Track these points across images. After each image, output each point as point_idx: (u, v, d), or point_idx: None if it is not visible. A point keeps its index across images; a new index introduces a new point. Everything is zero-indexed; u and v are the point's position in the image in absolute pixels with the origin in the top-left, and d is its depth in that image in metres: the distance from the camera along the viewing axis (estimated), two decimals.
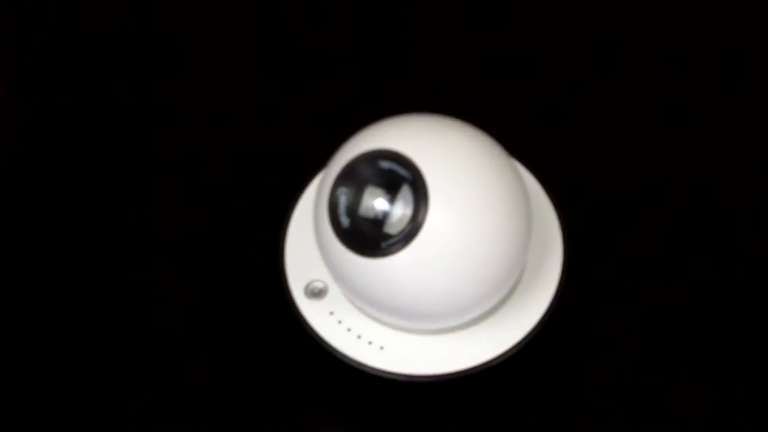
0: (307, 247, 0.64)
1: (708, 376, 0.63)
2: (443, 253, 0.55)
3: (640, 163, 0.70)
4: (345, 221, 0.56)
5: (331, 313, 0.62)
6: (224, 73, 0.75)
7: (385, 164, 0.55)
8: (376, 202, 0.56)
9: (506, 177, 0.57)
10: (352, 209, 0.56)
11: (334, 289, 0.63)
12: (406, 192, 0.55)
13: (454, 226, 0.55)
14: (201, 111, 0.73)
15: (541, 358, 0.62)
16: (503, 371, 0.61)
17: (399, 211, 0.55)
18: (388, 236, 0.55)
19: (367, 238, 0.56)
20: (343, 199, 0.56)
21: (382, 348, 0.61)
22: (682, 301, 0.65)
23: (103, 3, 0.78)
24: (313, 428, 0.62)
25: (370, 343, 0.61)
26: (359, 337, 0.62)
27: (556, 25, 0.77)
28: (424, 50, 0.75)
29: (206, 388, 0.63)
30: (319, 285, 0.63)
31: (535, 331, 0.62)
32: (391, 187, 0.55)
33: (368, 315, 0.61)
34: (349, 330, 0.62)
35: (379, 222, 0.56)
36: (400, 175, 0.55)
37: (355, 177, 0.56)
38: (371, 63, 0.75)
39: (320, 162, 0.66)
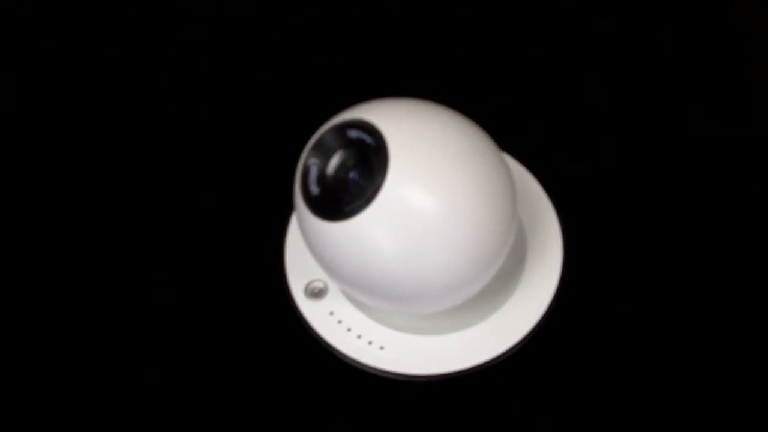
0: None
1: (708, 376, 0.63)
2: (403, 216, 0.55)
3: (640, 163, 0.70)
4: (314, 190, 0.57)
5: (331, 313, 0.62)
6: (224, 72, 0.75)
7: (353, 133, 0.56)
8: (341, 169, 0.57)
9: (484, 159, 0.57)
10: (321, 177, 0.57)
11: (334, 289, 0.63)
12: (370, 158, 0.56)
13: (414, 190, 0.55)
14: (201, 110, 0.73)
15: (541, 358, 0.62)
16: (503, 371, 0.61)
17: (362, 176, 0.56)
18: (351, 200, 0.56)
19: (333, 202, 0.56)
20: (313, 170, 0.57)
21: (382, 348, 0.61)
22: (682, 301, 0.65)
23: (102, 3, 0.78)
24: (313, 428, 0.62)
25: (370, 343, 0.61)
26: (359, 337, 0.62)
27: (556, 25, 0.77)
28: (423, 51, 0.75)
29: (206, 388, 0.63)
30: (319, 285, 0.63)
31: (535, 331, 0.62)
32: (357, 154, 0.56)
33: (348, 297, 0.62)
34: (349, 330, 0.62)
35: (344, 187, 0.57)
36: (365, 143, 0.56)
37: (325, 147, 0.57)
38: (370, 63, 0.75)
39: None
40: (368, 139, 0.56)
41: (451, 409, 0.62)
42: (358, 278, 0.57)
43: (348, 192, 0.57)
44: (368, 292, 0.58)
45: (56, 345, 0.64)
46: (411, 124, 0.57)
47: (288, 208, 0.66)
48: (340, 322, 0.62)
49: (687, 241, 0.67)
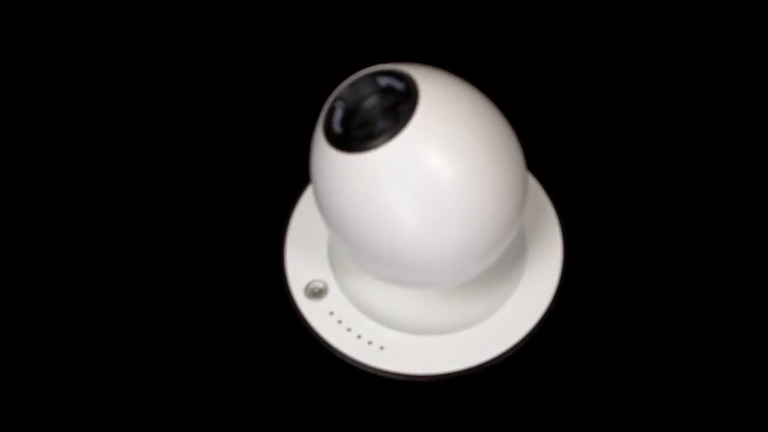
0: (307, 247, 0.64)
1: (708, 376, 0.63)
2: (422, 157, 0.54)
3: (640, 162, 0.70)
4: (338, 128, 0.56)
5: (331, 313, 0.62)
6: (224, 72, 0.75)
7: (384, 80, 0.56)
8: (368, 112, 0.56)
9: (503, 129, 0.57)
10: (346, 118, 0.56)
11: (334, 289, 0.63)
12: (399, 102, 0.55)
13: (439, 134, 0.55)
14: (201, 110, 0.73)
15: (540, 359, 0.62)
16: (503, 371, 0.61)
17: (388, 117, 0.56)
18: (374, 136, 0.55)
19: (355, 138, 0.55)
20: (338, 112, 0.56)
21: (382, 348, 0.61)
22: (682, 301, 0.65)
23: (102, 4, 0.78)
24: (313, 428, 0.62)
25: (370, 343, 0.61)
26: (359, 337, 0.62)
27: (556, 25, 0.77)
28: (423, 51, 0.75)
29: (206, 388, 0.63)
30: (319, 285, 0.63)
31: (535, 331, 0.62)
32: (386, 98, 0.56)
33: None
34: (349, 330, 0.62)
35: (368, 126, 0.56)
36: (396, 90, 0.56)
37: (353, 92, 0.57)
38: (370, 63, 0.75)
39: None
40: (399, 85, 0.55)
41: (451, 409, 0.62)
42: (369, 224, 0.56)
43: (372, 130, 0.56)
44: (376, 245, 0.57)
45: (56, 345, 0.64)
46: (441, 80, 0.57)
47: (288, 208, 0.66)
48: (340, 322, 0.62)
49: (687, 241, 0.67)
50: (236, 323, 0.65)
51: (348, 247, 0.58)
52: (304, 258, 0.64)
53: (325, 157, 0.56)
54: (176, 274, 0.67)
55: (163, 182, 0.70)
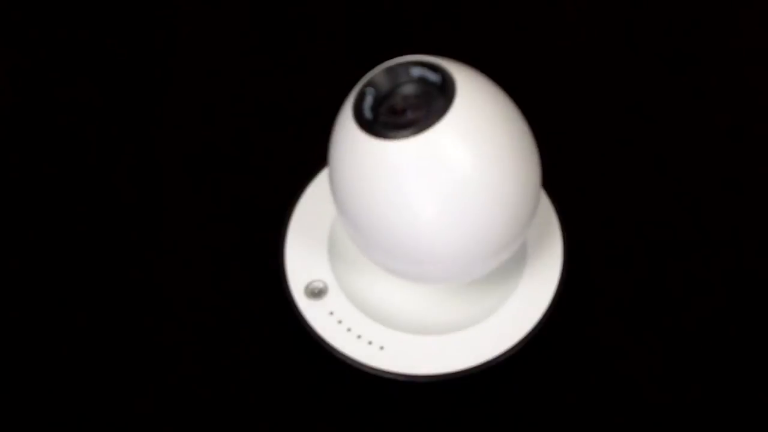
0: (307, 247, 0.64)
1: (708, 376, 0.63)
2: (452, 152, 0.54)
3: (640, 163, 0.70)
4: (368, 114, 0.56)
5: (331, 313, 0.62)
6: (224, 73, 0.75)
7: (417, 70, 0.56)
8: (400, 99, 0.56)
9: (524, 128, 0.58)
10: (376, 104, 0.56)
11: (334, 289, 0.63)
12: (432, 93, 0.55)
13: (472, 131, 0.55)
14: (201, 111, 0.73)
15: (541, 358, 0.62)
16: (503, 371, 0.61)
17: (419, 108, 0.55)
18: (406, 124, 0.55)
19: (388, 124, 0.55)
20: (369, 98, 0.56)
21: (382, 348, 0.61)
22: (682, 301, 0.65)
23: (101, 4, 0.78)
24: (313, 428, 0.62)
25: (370, 343, 0.61)
26: (359, 337, 0.62)
27: (554, 25, 0.77)
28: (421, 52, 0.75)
29: (206, 388, 0.63)
30: (319, 285, 0.63)
31: (535, 331, 0.62)
32: (418, 88, 0.56)
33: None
34: (349, 330, 0.62)
35: (398, 113, 0.56)
36: (429, 81, 0.56)
37: (385, 79, 0.56)
38: (370, 63, 0.75)
39: (320, 162, 0.66)
40: (433, 77, 0.55)
41: (451, 409, 0.62)
42: (387, 212, 0.56)
43: (404, 119, 0.55)
44: (391, 234, 0.56)
45: (56, 346, 0.64)
46: (474, 76, 0.57)
47: (288, 208, 0.66)
48: (340, 322, 0.62)
49: (686, 241, 0.67)
50: (236, 323, 0.65)
51: (360, 236, 0.58)
52: (304, 258, 0.64)
53: (351, 140, 0.56)
54: (176, 273, 0.67)
55: (163, 182, 0.70)
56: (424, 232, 0.55)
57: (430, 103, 0.55)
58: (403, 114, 0.56)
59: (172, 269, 0.67)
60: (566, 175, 0.68)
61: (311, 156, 0.66)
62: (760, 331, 0.64)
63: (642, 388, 0.62)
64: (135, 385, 0.63)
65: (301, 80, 0.74)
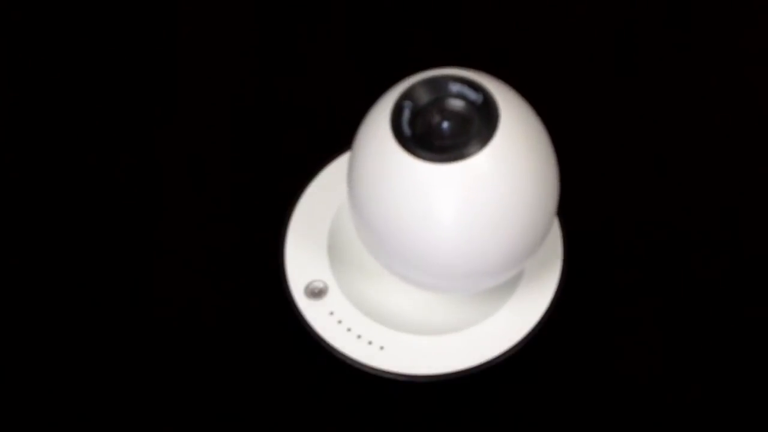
0: (307, 247, 0.64)
1: (708, 375, 0.63)
2: (489, 181, 0.54)
3: (640, 163, 0.70)
4: (407, 130, 0.55)
5: (331, 313, 0.62)
6: (224, 74, 0.75)
7: (456, 87, 0.55)
8: (440, 115, 0.55)
9: (552, 151, 0.58)
10: (413, 118, 0.55)
11: (334, 289, 0.63)
12: (473, 112, 0.55)
13: (511, 162, 0.55)
14: (201, 111, 0.73)
15: (541, 358, 0.62)
16: (503, 371, 0.61)
17: (460, 129, 0.55)
18: (448, 148, 0.54)
19: (432, 147, 0.54)
20: (407, 112, 0.55)
21: (382, 348, 0.61)
22: (682, 301, 0.65)
23: (102, 4, 0.78)
24: (314, 428, 0.62)
25: (370, 343, 0.61)
26: (359, 337, 0.62)
27: (554, 25, 0.77)
28: (421, 56, 0.75)
29: (206, 388, 0.63)
30: (319, 285, 0.63)
31: (535, 331, 0.62)
32: (457, 106, 0.55)
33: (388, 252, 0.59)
34: (349, 330, 0.62)
35: (437, 131, 0.55)
36: (469, 99, 0.55)
37: (422, 93, 0.56)
38: (369, 63, 0.75)
39: (320, 162, 0.66)
40: (473, 96, 0.55)
41: (451, 409, 0.62)
42: (415, 228, 0.55)
43: (444, 140, 0.55)
44: (416, 249, 0.56)
45: (56, 346, 0.64)
46: (511, 96, 0.57)
47: (288, 208, 0.66)
48: (340, 322, 0.62)
49: (686, 241, 0.67)
50: (236, 323, 0.65)
51: (377, 242, 0.58)
52: (304, 258, 0.64)
53: (387, 154, 0.55)
54: (176, 273, 0.66)
55: (163, 182, 0.70)
56: (447, 250, 0.55)
57: (471, 127, 0.54)
58: (442, 133, 0.55)
59: (172, 269, 0.67)
60: (566, 175, 0.68)
61: (311, 156, 0.66)
62: (760, 331, 0.64)
63: (642, 388, 0.62)
64: (135, 385, 0.63)
65: (301, 80, 0.74)
